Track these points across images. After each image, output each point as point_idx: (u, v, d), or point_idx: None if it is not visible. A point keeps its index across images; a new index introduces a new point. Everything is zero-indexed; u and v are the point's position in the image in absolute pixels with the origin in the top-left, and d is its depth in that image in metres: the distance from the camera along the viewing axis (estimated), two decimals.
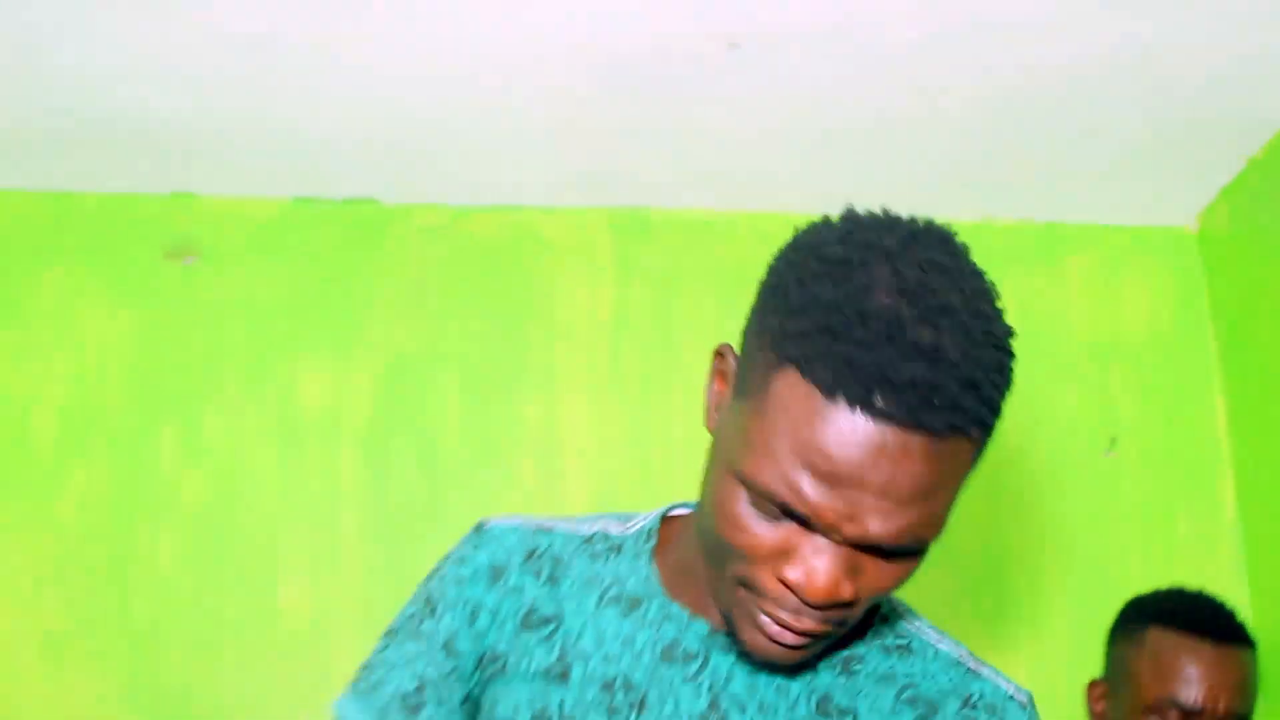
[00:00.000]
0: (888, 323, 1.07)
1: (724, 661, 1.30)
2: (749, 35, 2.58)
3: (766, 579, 1.15)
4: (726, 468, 1.15)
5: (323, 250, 3.12)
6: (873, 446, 1.07)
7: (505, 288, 3.12)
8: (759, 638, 1.19)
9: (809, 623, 1.16)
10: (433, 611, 1.38)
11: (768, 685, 1.28)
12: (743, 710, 1.26)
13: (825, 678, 1.30)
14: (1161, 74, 2.68)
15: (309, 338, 3.06)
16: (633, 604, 1.35)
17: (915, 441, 1.08)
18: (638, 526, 1.42)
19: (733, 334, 1.26)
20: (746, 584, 1.17)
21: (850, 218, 1.20)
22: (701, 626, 1.32)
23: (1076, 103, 2.78)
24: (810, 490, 1.09)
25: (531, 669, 1.33)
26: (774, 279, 1.18)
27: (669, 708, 1.27)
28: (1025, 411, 3.10)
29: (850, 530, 1.10)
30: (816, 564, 1.12)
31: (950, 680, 1.32)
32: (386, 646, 1.39)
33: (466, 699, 1.37)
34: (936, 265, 1.13)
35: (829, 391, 1.07)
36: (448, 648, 1.36)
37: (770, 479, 1.11)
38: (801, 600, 1.14)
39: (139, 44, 2.60)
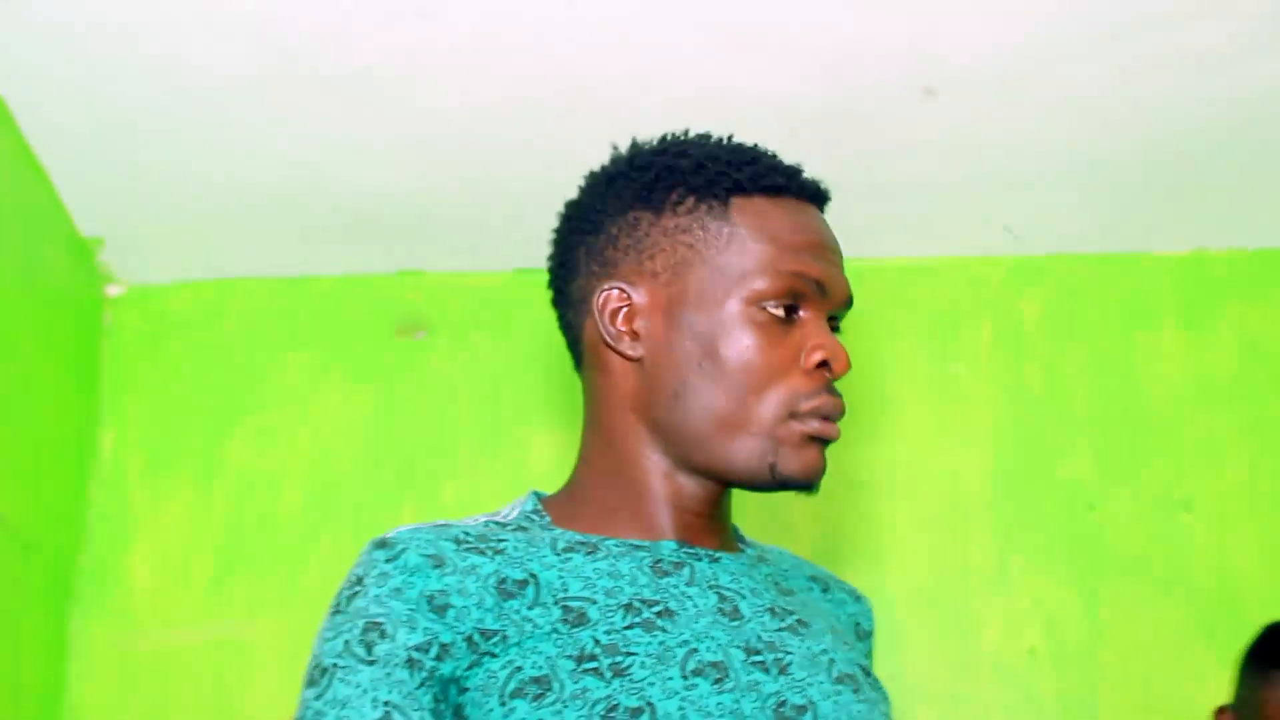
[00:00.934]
0: (762, 155, 1.46)
1: (703, 566, 1.39)
2: (944, 82, 2.63)
3: (802, 378, 1.37)
4: (736, 303, 1.38)
5: (547, 319, 3.19)
6: (818, 221, 1.45)
7: None
8: (811, 452, 1.38)
9: (839, 402, 1.39)
10: (382, 633, 1.26)
11: (740, 574, 1.41)
12: (742, 597, 1.37)
13: (764, 568, 1.47)
14: None
15: (538, 406, 3.13)
16: (588, 548, 1.37)
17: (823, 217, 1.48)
18: (518, 510, 1.45)
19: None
20: (789, 404, 1.36)
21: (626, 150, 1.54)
22: (667, 544, 1.39)
23: None
24: (814, 264, 1.39)
25: (540, 630, 1.27)
26: (638, 184, 1.46)
27: (690, 608, 1.32)
28: (1251, 440, 3.07)
29: (839, 291, 1.42)
30: (828, 340, 1.38)
31: (812, 569, 1.57)
32: (325, 689, 1.25)
33: (448, 692, 1.27)
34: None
35: (783, 194, 1.43)
36: (412, 663, 1.26)
37: (784, 276, 1.38)
38: (833, 378, 1.38)
39: (361, 128, 2.74)
